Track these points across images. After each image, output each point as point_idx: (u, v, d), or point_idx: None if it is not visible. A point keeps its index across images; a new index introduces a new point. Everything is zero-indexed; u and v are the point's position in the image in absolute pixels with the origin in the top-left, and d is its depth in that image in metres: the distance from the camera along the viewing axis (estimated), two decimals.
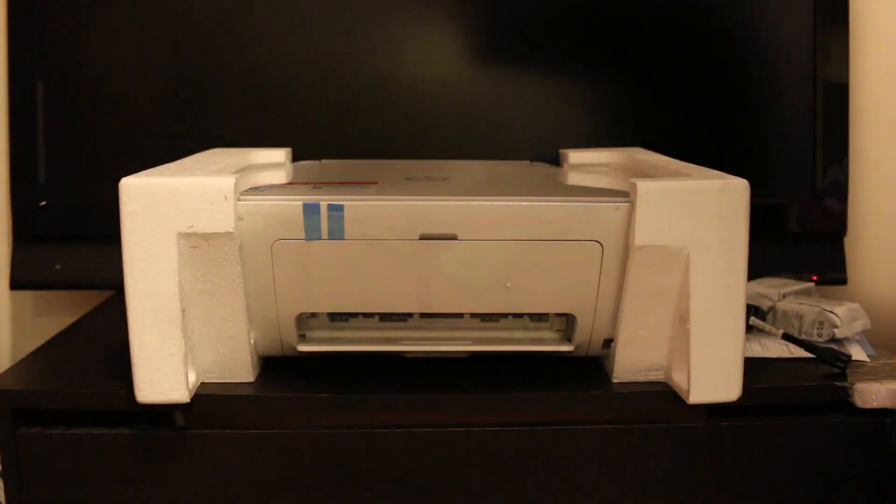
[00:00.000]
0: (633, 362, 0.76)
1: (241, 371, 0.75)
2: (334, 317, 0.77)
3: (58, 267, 1.06)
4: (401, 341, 0.77)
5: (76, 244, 1.06)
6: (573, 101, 1.09)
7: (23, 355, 0.84)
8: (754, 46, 1.10)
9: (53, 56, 1.06)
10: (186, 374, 0.70)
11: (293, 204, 0.70)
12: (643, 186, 0.70)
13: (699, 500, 0.77)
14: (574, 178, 0.89)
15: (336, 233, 0.70)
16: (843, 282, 1.10)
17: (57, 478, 0.74)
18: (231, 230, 0.68)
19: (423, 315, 0.76)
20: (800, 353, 0.84)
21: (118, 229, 0.68)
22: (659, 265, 0.71)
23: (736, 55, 1.10)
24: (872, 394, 0.75)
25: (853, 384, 0.76)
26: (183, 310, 0.69)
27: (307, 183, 0.79)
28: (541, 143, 1.09)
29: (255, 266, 0.71)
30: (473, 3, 1.08)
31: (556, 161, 1.05)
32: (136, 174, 0.69)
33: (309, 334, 0.77)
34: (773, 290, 0.92)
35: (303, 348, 0.75)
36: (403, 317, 0.77)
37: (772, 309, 0.90)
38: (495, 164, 1.01)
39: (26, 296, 1.17)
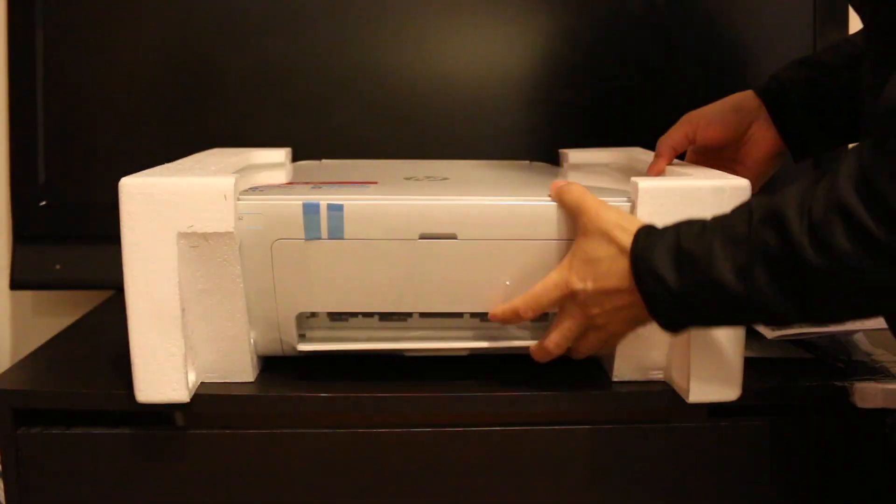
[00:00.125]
0: (633, 361, 0.76)
1: (241, 371, 0.75)
2: (334, 316, 0.77)
3: (58, 267, 1.06)
4: (400, 340, 0.77)
5: (76, 244, 1.06)
6: (572, 101, 1.09)
7: (23, 355, 0.84)
8: (754, 46, 1.10)
9: (53, 56, 1.06)
10: (186, 374, 0.70)
11: (293, 204, 0.70)
12: (644, 185, 0.70)
13: (699, 500, 0.77)
14: (573, 178, 0.89)
15: (336, 232, 0.70)
16: None
17: (57, 478, 0.74)
18: (231, 230, 0.68)
19: (422, 315, 0.76)
20: (800, 353, 0.83)
21: (118, 229, 0.68)
22: None
23: (736, 55, 1.10)
24: (872, 394, 0.75)
25: (853, 384, 0.76)
26: (183, 310, 0.69)
27: (307, 183, 0.79)
28: (540, 142, 1.09)
29: (254, 266, 0.71)
30: (474, 3, 1.08)
31: (555, 160, 1.05)
32: (135, 174, 0.69)
33: (309, 334, 0.77)
34: None
35: (303, 347, 0.75)
36: (403, 316, 0.77)
37: None
38: (495, 164, 1.01)
39: (26, 296, 1.17)
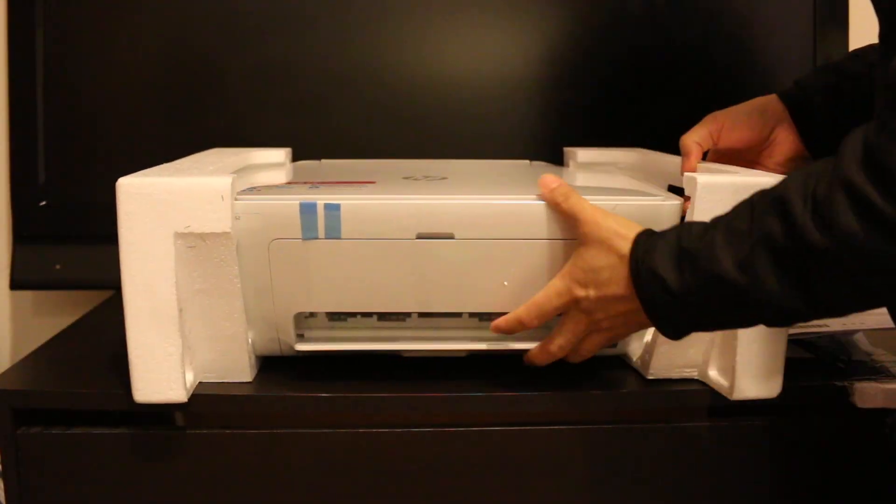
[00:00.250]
0: (670, 359, 0.76)
1: (239, 371, 0.75)
2: (333, 317, 0.77)
3: (58, 267, 1.06)
4: (398, 341, 0.77)
5: (76, 244, 1.06)
6: (572, 101, 1.09)
7: (23, 355, 0.84)
8: (754, 46, 1.10)
9: (53, 56, 1.06)
10: (184, 373, 0.70)
11: (290, 203, 0.70)
12: (703, 180, 0.70)
13: (699, 500, 0.77)
14: (582, 178, 0.89)
15: (333, 232, 0.70)
16: None
17: (57, 478, 0.74)
18: (228, 230, 0.68)
19: (421, 315, 0.76)
20: (800, 353, 0.83)
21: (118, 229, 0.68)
22: None
23: (736, 55, 1.10)
24: (872, 394, 0.75)
25: (853, 384, 0.76)
26: (180, 309, 0.69)
27: (305, 182, 0.79)
28: (540, 142, 1.09)
29: (252, 265, 0.71)
30: (473, 3, 1.08)
31: (556, 160, 1.05)
32: (133, 174, 0.69)
33: (307, 334, 0.77)
34: None
35: (300, 347, 0.75)
36: (402, 316, 0.77)
37: None
38: (495, 164, 1.01)
39: (26, 296, 1.17)
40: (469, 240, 0.71)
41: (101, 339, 0.88)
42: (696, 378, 0.77)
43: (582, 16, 1.09)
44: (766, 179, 0.70)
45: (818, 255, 0.55)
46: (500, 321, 0.72)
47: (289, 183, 0.80)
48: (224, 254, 0.70)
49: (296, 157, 1.01)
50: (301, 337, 0.76)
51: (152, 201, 0.68)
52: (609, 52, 1.10)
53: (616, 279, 0.66)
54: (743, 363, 0.72)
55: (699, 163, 0.81)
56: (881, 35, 0.65)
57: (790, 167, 0.83)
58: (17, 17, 1.06)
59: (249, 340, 0.74)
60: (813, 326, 0.82)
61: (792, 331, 0.81)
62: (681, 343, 0.74)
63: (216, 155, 0.87)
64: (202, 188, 0.68)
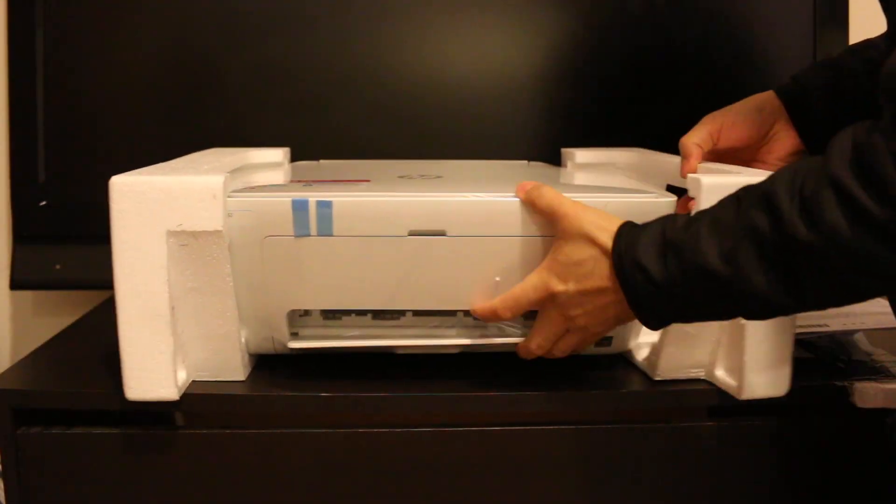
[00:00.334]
0: (677, 359, 0.76)
1: (232, 369, 0.75)
2: (327, 315, 0.77)
3: (58, 267, 1.06)
4: (392, 338, 0.77)
5: (76, 244, 1.06)
6: (572, 102, 1.09)
7: (23, 355, 0.84)
8: (754, 46, 1.10)
9: (53, 56, 1.06)
10: (175, 371, 0.70)
11: (282, 200, 0.70)
12: (707, 181, 0.70)
13: (699, 500, 0.77)
14: (580, 178, 0.89)
15: (325, 229, 0.70)
16: None
17: (57, 478, 0.74)
18: (220, 228, 0.69)
19: (415, 313, 0.76)
20: (800, 353, 0.83)
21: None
22: None
23: (736, 55, 1.10)
24: (872, 394, 0.75)
25: (853, 384, 0.76)
26: (172, 308, 0.70)
27: (300, 181, 0.79)
28: (540, 143, 1.09)
29: (245, 263, 0.71)
30: (472, 3, 1.08)
31: (555, 161, 1.05)
32: (126, 173, 0.70)
33: (302, 332, 0.77)
34: None
35: (293, 345, 0.75)
36: (396, 315, 0.77)
37: None
38: (492, 164, 1.01)
39: (26, 296, 1.17)
40: (461, 237, 0.71)
41: (100, 339, 0.88)
42: (703, 378, 0.77)
43: (582, 16, 1.09)
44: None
45: (804, 250, 0.56)
46: (477, 307, 0.72)
47: (284, 182, 0.80)
48: (216, 252, 0.70)
49: (295, 158, 1.01)
50: (295, 335, 0.76)
51: (145, 200, 0.68)
52: (609, 52, 1.10)
53: (598, 272, 0.66)
54: (751, 362, 0.72)
55: (699, 163, 0.81)
56: (889, 34, 0.65)
57: (790, 163, 0.83)
58: (17, 17, 1.06)
59: (242, 339, 0.74)
60: (813, 326, 0.82)
61: (800, 329, 0.81)
62: (688, 343, 0.74)
63: (213, 155, 0.87)
64: (194, 187, 0.68)
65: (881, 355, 0.84)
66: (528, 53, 1.09)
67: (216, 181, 0.68)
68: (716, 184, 0.70)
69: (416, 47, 1.08)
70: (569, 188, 0.73)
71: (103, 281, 1.03)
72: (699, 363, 0.76)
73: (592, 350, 0.78)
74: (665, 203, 0.73)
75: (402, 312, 0.76)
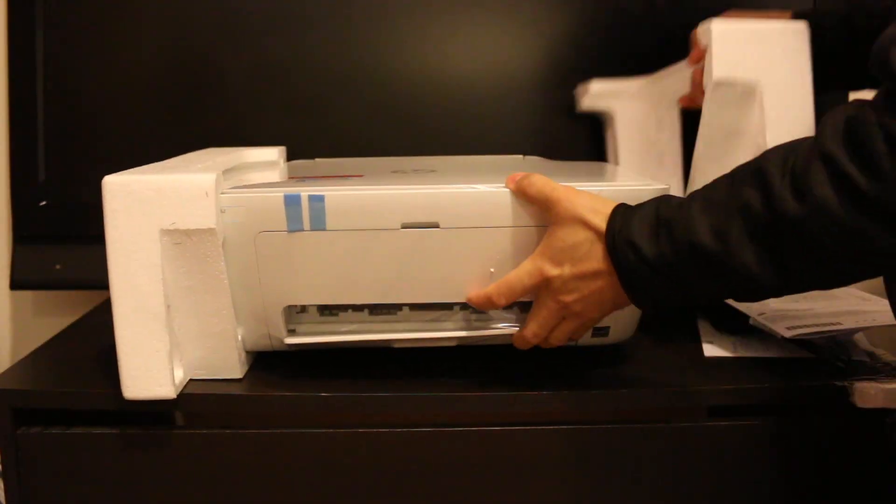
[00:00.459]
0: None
1: (229, 367, 0.75)
2: (323, 311, 0.77)
3: (58, 267, 1.06)
4: (389, 331, 0.77)
5: (76, 244, 1.06)
6: (571, 102, 1.09)
7: (23, 355, 0.84)
8: None
9: (53, 56, 1.06)
10: (172, 370, 0.70)
11: (274, 196, 0.70)
12: (717, 27, 0.72)
13: (699, 500, 0.77)
14: (566, 169, 0.89)
15: (318, 223, 0.70)
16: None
17: (57, 478, 0.74)
18: (213, 226, 0.69)
19: (412, 308, 0.76)
20: (800, 353, 0.83)
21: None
22: (734, 102, 0.73)
23: None
24: (872, 394, 0.75)
25: (853, 384, 0.76)
26: (168, 306, 0.70)
27: (294, 178, 0.79)
28: (537, 142, 1.09)
29: (240, 260, 0.72)
30: (471, 3, 1.08)
31: (552, 158, 1.05)
32: (119, 172, 0.70)
33: (299, 328, 0.77)
34: None
35: (290, 341, 0.75)
36: (392, 309, 0.77)
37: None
38: (487, 159, 1.01)
39: (26, 296, 1.17)
40: (454, 229, 0.71)
41: (100, 339, 0.88)
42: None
43: (581, 15, 1.09)
44: (779, 25, 0.75)
45: (792, 224, 0.56)
46: (472, 295, 0.72)
47: (278, 180, 0.81)
48: (210, 250, 0.70)
49: (293, 157, 1.01)
50: (293, 332, 0.76)
51: (137, 199, 0.68)
52: (609, 52, 1.10)
53: (593, 255, 0.66)
54: None
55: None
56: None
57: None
58: (17, 18, 1.06)
59: (239, 336, 0.75)
60: (813, 326, 0.82)
61: (792, 331, 0.81)
62: None
63: (208, 154, 0.88)
64: (186, 185, 0.68)
65: (881, 355, 0.84)
66: (526, 52, 1.09)
67: (208, 179, 0.69)
68: (727, 30, 0.72)
69: (413, 46, 1.08)
70: (563, 179, 0.73)
71: (103, 281, 1.03)
72: None
73: (589, 340, 0.77)
74: (658, 189, 0.73)
75: (398, 307, 0.76)
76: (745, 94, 0.73)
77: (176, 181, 0.68)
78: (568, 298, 0.68)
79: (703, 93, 0.80)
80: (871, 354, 0.84)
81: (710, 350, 0.85)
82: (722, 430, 0.76)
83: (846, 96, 0.97)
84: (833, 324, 0.82)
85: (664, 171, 0.97)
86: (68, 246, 1.06)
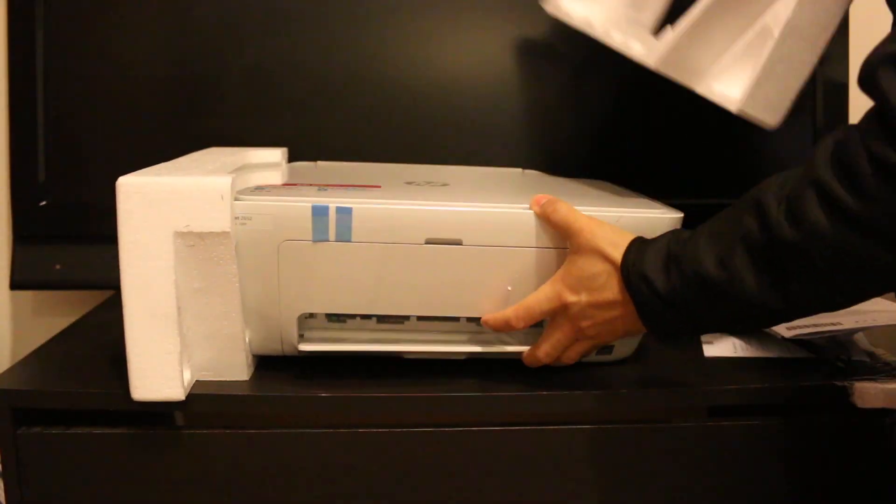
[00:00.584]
0: None
1: (236, 369, 0.75)
2: (331, 318, 0.77)
3: (58, 267, 1.06)
4: (399, 342, 0.77)
5: (76, 244, 1.06)
6: (570, 107, 1.09)
7: (23, 355, 0.84)
8: None
9: (53, 56, 1.06)
10: (182, 371, 0.70)
11: (302, 205, 0.70)
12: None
13: (699, 500, 0.77)
14: (573, 188, 0.89)
15: (344, 235, 0.71)
16: None
17: (57, 478, 0.74)
18: (227, 229, 0.69)
19: (420, 318, 0.77)
20: (800, 353, 0.84)
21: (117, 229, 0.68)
22: None
23: None
24: (872, 394, 0.75)
25: (853, 384, 0.76)
26: (179, 308, 0.69)
27: (312, 184, 0.79)
28: (534, 149, 1.09)
29: (258, 265, 0.72)
30: (471, 7, 1.08)
31: (551, 167, 1.05)
32: (133, 173, 0.69)
33: (307, 334, 0.77)
34: None
35: (304, 347, 0.75)
36: (401, 319, 0.77)
37: None
38: (489, 171, 1.01)
39: (26, 296, 1.17)
40: (477, 246, 0.72)
41: (101, 339, 0.88)
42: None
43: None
44: None
45: (790, 249, 0.58)
46: (489, 317, 0.74)
47: (294, 184, 0.80)
48: (223, 253, 0.70)
49: (292, 159, 1.01)
50: (301, 337, 0.76)
51: (152, 200, 0.68)
52: (607, 58, 1.09)
53: (609, 285, 0.69)
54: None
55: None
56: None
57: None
58: (17, 17, 1.06)
59: (247, 340, 0.75)
60: (812, 326, 0.82)
61: (792, 331, 0.81)
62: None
63: (214, 154, 0.87)
64: (202, 188, 0.68)
65: (881, 355, 0.84)
66: (524, 59, 1.09)
67: (224, 182, 0.68)
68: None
69: (412, 51, 1.08)
70: (582, 201, 0.74)
71: (103, 281, 1.04)
72: None
73: (594, 358, 0.78)
74: (674, 219, 0.75)
75: (406, 317, 0.77)
76: None
77: (191, 183, 0.68)
78: (584, 324, 0.71)
79: None
80: (871, 354, 0.84)
81: (710, 350, 0.85)
82: (722, 430, 0.76)
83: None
84: (833, 324, 0.83)
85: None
86: (68, 246, 1.06)
